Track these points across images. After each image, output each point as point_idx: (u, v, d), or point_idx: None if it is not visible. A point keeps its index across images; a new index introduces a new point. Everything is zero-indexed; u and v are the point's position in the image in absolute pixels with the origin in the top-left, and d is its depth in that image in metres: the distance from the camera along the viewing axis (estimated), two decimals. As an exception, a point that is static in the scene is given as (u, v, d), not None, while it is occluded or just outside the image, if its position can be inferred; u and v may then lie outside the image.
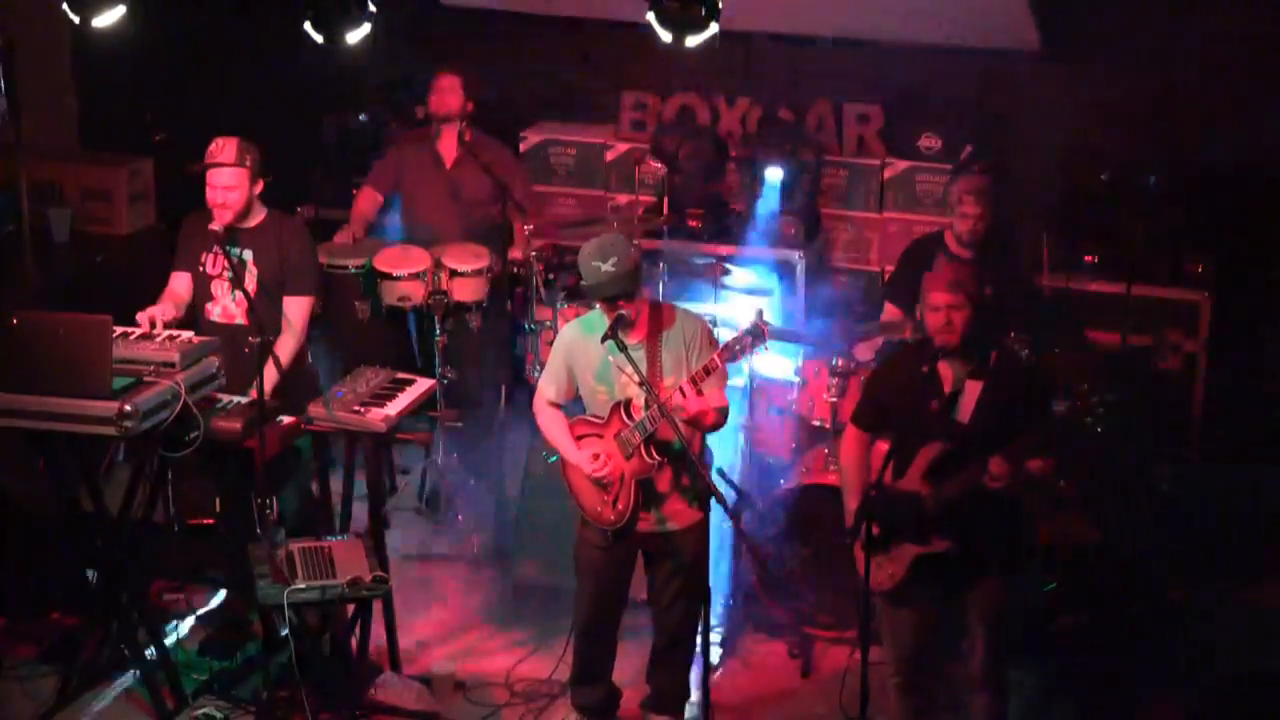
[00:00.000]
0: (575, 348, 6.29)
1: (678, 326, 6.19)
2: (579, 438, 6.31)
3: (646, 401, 6.08)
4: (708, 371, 6.00)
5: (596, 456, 6.20)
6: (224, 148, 6.83)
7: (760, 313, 5.97)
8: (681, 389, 5.98)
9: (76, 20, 7.49)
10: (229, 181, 6.83)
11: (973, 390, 5.84)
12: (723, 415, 6.13)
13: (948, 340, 5.83)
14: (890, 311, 7.79)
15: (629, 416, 6.16)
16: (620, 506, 6.23)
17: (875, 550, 5.76)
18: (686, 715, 6.60)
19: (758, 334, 5.94)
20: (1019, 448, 5.68)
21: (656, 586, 6.40)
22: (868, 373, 7.07)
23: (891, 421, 6.02)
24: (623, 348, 6.08)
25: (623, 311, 6.08)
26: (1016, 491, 5.84)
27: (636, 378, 6.05)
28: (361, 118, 9.19)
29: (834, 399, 7.41)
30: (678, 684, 6.58)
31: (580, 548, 6.42)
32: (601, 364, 6.21)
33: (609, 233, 6.32)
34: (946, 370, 5.90)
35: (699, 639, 6.16)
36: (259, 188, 6.94)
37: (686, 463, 6.12)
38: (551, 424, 6.38)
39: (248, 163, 6.84)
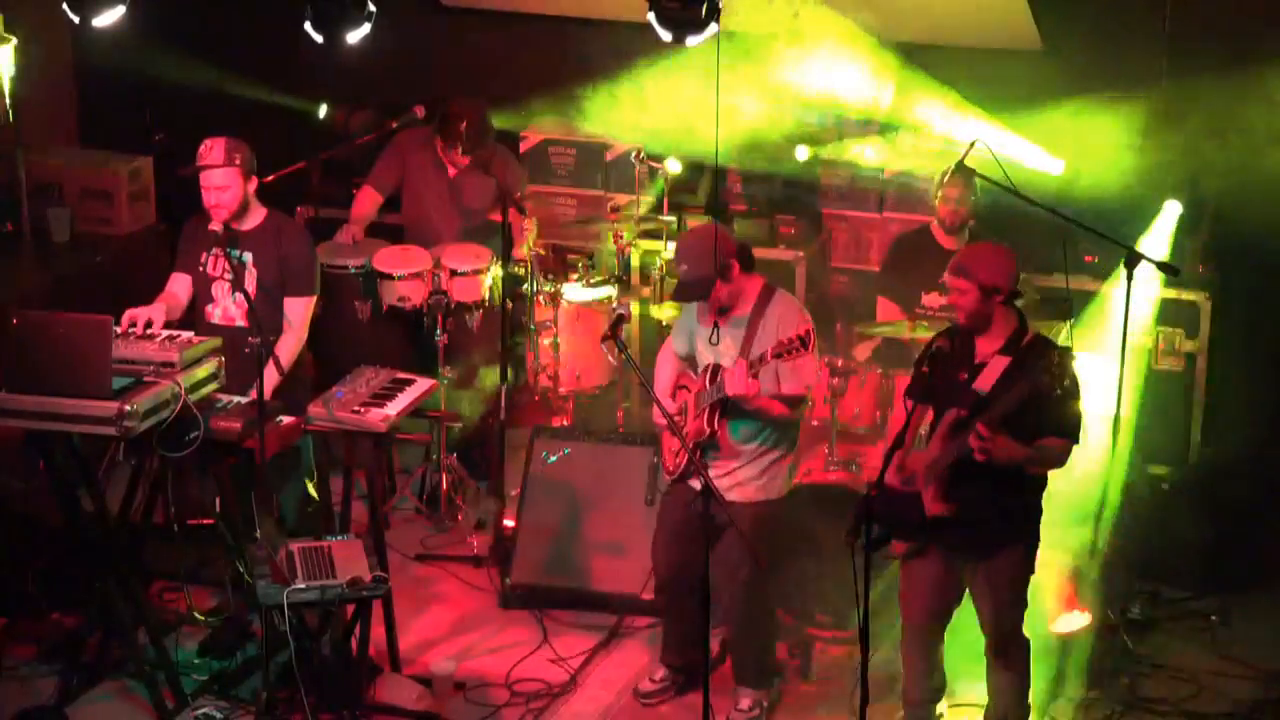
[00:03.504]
0: (691, 308, 6.71)
1: (777, 315, 6.50)
2: (679, 387, 6.67)
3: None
4: (762, 360, 6.30)
5: (682, 409, 6.63)
6: (212, 149, 6.84)
7: (809, 330, 6.30)
8: (734, 369, 6.34)
9: (76, 20, 7.49)
10: (221, 182, 6.83)
11: (998, 365, 6.04)
12: (788, 404, 6.49)
13: (958, 320, 6.12)
14: (884, 307, 7.80)
15: (714, 382, 6.48)
16: (679, 459, 6.62)
17: (874, 550, 5.79)
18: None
19: (805, 340, 6.22)
20: (998, 417, 5.85)
21: (717, 554, 6.59)
22: (873, 373, 7.44)
23: (930, 391, 6.22)
24: (622, 348, 6.28)
25: (621, 312, 6.47)
26: (1014, 465, 5.99)
27: (637, 376, 6.43)
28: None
29: (834, 399, 7.40)
30: (752, 658, 6.74)
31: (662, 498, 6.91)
32: (709, 332, 6.59)
33: (696, 228, 6.89)
34: (981, 344, 6.13)
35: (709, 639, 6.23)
36: (253, 184, 6.93)
37: (770, 453, 6.56)
38: (662, 366, 6.85)
39: (237, 161, 6.84)
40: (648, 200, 8.79)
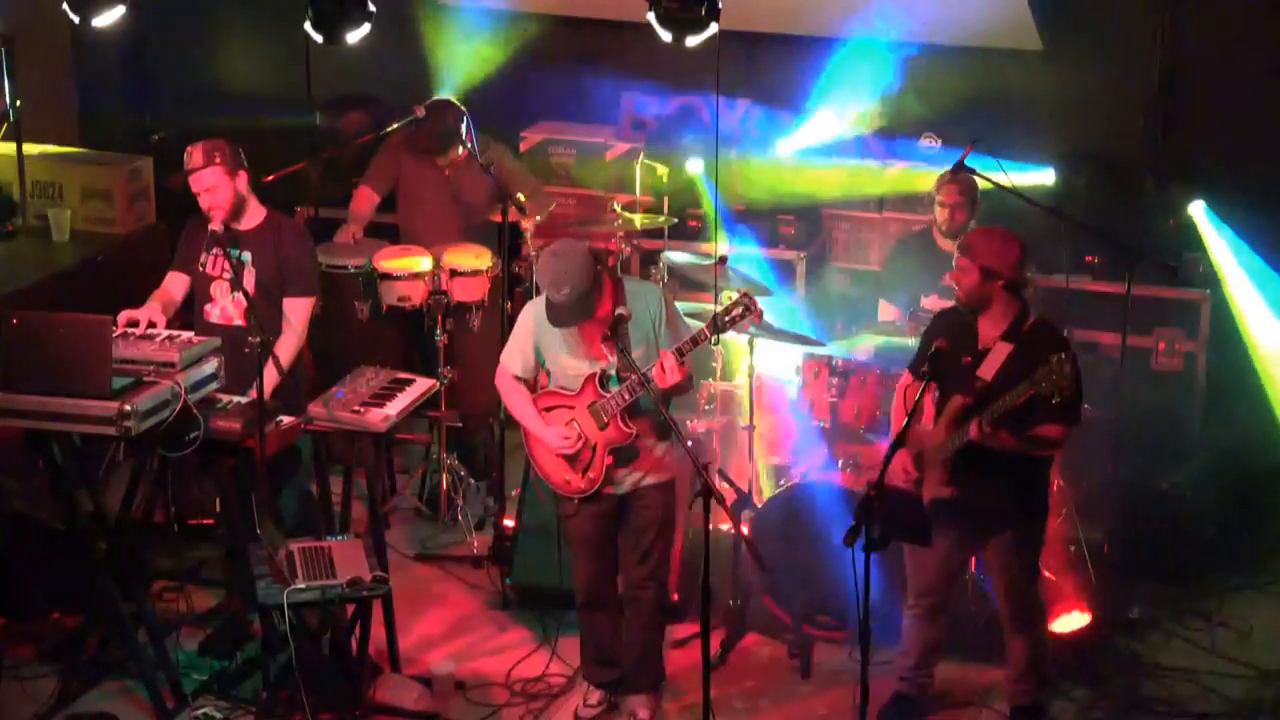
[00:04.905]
0: (544, 325, 6.29)
1: (640, 298, 6.28)
2: (547, 409, 6.40)
3: (619, 375, 6.20)
4: (695, 343, 6.13)
5: (567, 436, 6.31)
6: (192, 154, 6.86)
7: (748, 293, 6.16)
8: (662, 362, 6.09)
9: (76, 20, 7.50)
10: (208, 183, 6.84)
11: (1001, 350, 6.15)
12: (690, 381, 6.28)
13: (957, 298, 6.24)
14: (885, 309, 7.79)
15: (605, 388, 6.26)
16: (592, 474, 6.35)
17: (874, 550, 5.80)
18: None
19: (749, 307, 6.09)
20: (997, 415, 5.99)
21: (623, 547, 6.51)
22: (873, 373, 7.39)
23: (936, 371, 6.28)
24: (622, 349, 6.12)
25: (621, 311, 6.17)
26: (1016, 451, 6.12)
27: (631, 372, 6.16)
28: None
29: (834, 399, 7.41)
30: (649, 661, 6.60)
31: (565, 522, 6.57)
32: (575, 340, 6.29)
33: (559, 249, 6.23)
34: (985, 329, 6.22)
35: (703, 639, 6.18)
36: (242, 179, 6.91)
37: (664, 430, 6.29)
38: (516, 399, 6.48)
39: (217, 159, 6.84)
40: (648, 200, 8.78)
